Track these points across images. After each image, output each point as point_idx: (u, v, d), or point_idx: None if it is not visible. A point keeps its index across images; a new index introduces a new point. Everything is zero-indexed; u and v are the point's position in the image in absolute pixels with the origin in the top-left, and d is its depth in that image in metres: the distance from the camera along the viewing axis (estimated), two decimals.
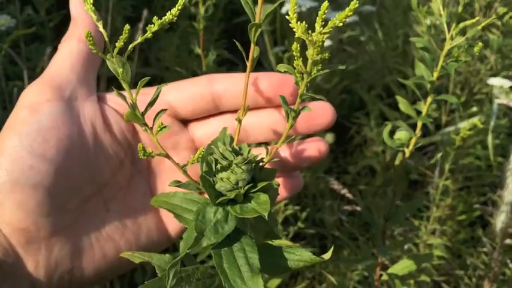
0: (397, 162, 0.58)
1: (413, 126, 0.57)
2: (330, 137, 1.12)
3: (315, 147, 0.44)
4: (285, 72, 0.33)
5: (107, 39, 0.31)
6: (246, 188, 0.34)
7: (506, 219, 0.84)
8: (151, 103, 0.34)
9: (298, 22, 0.29)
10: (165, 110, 0.35)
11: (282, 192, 0.45)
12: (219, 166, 0.35)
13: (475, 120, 0.96)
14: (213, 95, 0.44)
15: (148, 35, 0.31)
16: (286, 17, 0.30)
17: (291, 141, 0.37)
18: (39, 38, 1.13)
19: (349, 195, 0.97)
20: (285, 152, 0.45)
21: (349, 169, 1.19)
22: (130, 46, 0.31)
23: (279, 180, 0.45)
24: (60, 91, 0.41)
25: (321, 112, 0.43)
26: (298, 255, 0.37)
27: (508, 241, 0.91)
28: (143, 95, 0.38)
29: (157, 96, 0.34)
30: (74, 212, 0.41)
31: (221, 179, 0.34)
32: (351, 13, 0.28)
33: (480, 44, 0.43)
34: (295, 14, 0.29)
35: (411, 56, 1.27)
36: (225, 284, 0.33)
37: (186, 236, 0.35)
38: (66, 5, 0.45)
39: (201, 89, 0.44)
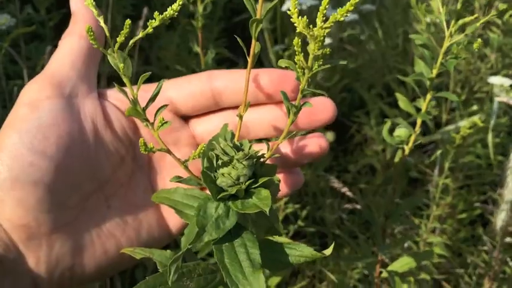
0: (396, 159, 0.58)
1: (414, 125, 0.57)
2: (330, 136, 1.12)
3: (315, 143, 0.44)
4: (286, 67, 0.34)
5: (107, 34, 0.31)
6: (247, 183, 0.34)
7: (507, 217, 0.84)
8: (153, 98, 0.34)
9: (300, 17, 0.29)
10: (166, 105, 0.35)
11: (283, 188, 0.45)
12: (220, 162, 0.35)
13: (475, 118, 0.96)
14: (214, 91, 0.44)
15: (150, 30, 0.31)
16: (288, 11, 0.30)
17: (291, 137, 0.37)
18: (39, 37, 1.13)
19: (349, 193, 0.97)
20: (285, 147, 0.45)
21: (349, 168, 1.20)
22: (131, 41, 0.31)
23: (279, 176, 0.45)
24: (60, 88, 0.41)
25: (322, 108, 0.43)
26: (300, 251, 0.37)
27: (508, 239, 0.91)
28: (144, 92, 0.38)
29: (159, 91, 0.34)
30: (75, 209, 0.41)
31: (222, 174, 0.34)
32: (352, 8, 0.28)
33: (479, 40, 0.43)
34: (296, 9, 0.29)
35: (411, 55, 1.27)
36: (226, 280, 0.33)
37: (187, 231, 0.35)
38: (66, 4, 0.45)
39: (202, 85, 0.44)
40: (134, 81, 0.37)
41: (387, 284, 0.90)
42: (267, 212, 0.33)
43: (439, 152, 0.59)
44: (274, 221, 0.38)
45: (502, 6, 0.45)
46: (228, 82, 0.44)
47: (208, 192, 0.36)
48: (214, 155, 0.35)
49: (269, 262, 0.36)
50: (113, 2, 1.00)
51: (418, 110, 0.55)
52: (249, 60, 0.36)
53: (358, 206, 0.98)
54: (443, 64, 0.50)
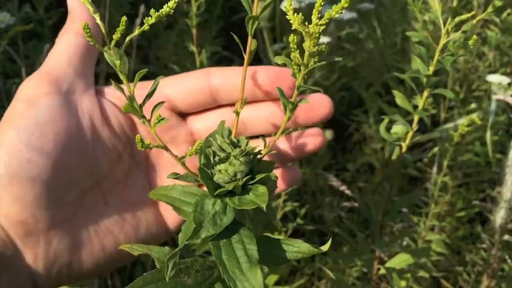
0: (394, 156, 0.58)
1: (412, 123, 0.57)
2: (329, 134, 1.13)
3: (312, 139, 0.44)
4: (283, 64, 0.34)
5: (104, 30, 0.31)
6: (244, 179, 0.34)
7: (505, 215, 0.84)
8: (150, 95, 0.34)
9: (295, 14, 0.29)
10: (163, 102, 0.35)
11: (280, 185, 0.45)
12: (217, 158, 0.35)
13: (474, 116, 0.96)
14: (211, 88, 0.44)
15: (146, 27, 0.31)
16: (283, 8, 0.30)
17: (288, 133, 0.37)
18: (37, 35, 1.13)
19: (348, 192, 0.97)
20: (283, 144, 0.45)
21: (348, 166, 1.20)
22: (128, 38, 0.31)
23: (277, 172, 0.46)
24: (57, 85, 0.41)
25: (319, 104, 0.43)
26: (297, 247, 0.37)
27: (506, 237, 0.91)
28: (141, 89, 0.38)
29: (156, 87, 0.34)
30: (72, 205, 0.41)
31: (219, 171, 0.34)
32: (347, 4, 0.28)
33: (475, 37, 0.44)
34: (291, 6, 0.29)
35: (409, 54, 1.27)
36: (223, 275, 0.33)
37: (184, 227, 0.35)
38: (64, 3, 0.45)
39: (199, 82, 0.45)
40: (132, 80, 0.37)
41: (386, 282, 0.91)
42: (264, 208, 0.33)
43: (436, 148, 0.59)
44: (271, 217, 0.38)
45: (497, 3, 0.45)
46: (226, 79, 0.44)
47: (205, 189, 0.36)
48: (211, 152, 0.35)
49: (266, 258, 0.37)
50: (111, 1, 1.01)
51: (416, 107, 0.56)
52: (246, 57, 0.36)
53: (357, 204, 0.99)
54: (439, 61, 0.51)
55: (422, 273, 0.89)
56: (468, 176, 1.09)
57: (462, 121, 1.01)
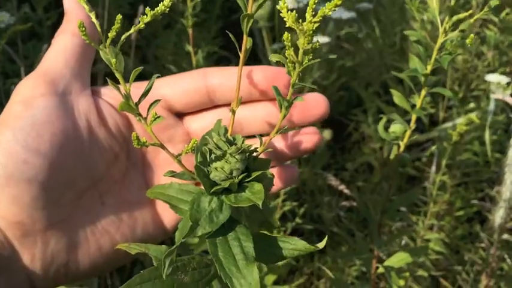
0: (392, 155, 0.58)
1: (410, 122, 0.57)
2: (327, 134, 1.13)
3: (308, 137, 0.44)
4: (277, 62, 0.34)
5: (99, 29, 0.31)
6: (240, 177, 0.34)
7: (504, 214, 0.84)
8: (145, 93, 0.34)
9: (289, 12, 0.29)
10: (159, 100, 0.35)
11: (277, 183, 0.46)
12: (213, 156, 0.35)
13: (472, 116, 0.97)
14: (208, 88, 0.45)
15: (141, 25, 0.31)
16: (277, 6, 0.30)
17: (284, 131, 0.37)
18: (36, 35, 1.13)
19: (347, 191, 0.97)
20: (279, 142, 0.45)
21: (347, 166, 1.20)
22: (123, 36, 0.31)
23: (274, 171, 0.46)
24: (54, 85, 0.41)
25: (315, 103, 0.43)
26: (293, 244, 0.37)
27: (505, 236, 0.91)
28: (138, 89, 0.38)
29: (151, 85, 0.34)
30: (69, 206, 0.41)
31: (215, 168, 0.34)
32: (340, 2, 0.28)
33: (472, 36, 0.44)
34: (285, 4, 0.29)
35: (408, 53, 1.27)
36: (220, 273, 0.33)
37: (181, 225, 0.35)
38: (63, 3, 0.45)
39: (196, 82, 0.45)
40: (129, 79, 0.38)
41: (385, 281, 0.91)
42: (260, 206, 0.33)
43: (434, 147, 0.59)
44: (268, 214, 0.38)
45: (494, 2, 0.45)
46: (222, 79, 0.44)
47: (202, 187, 0.36)
48: (208, 150, 0.35)
49: (263, 255, 0.37)
50: (110, 1, 1.01)
51: (414, 106, 0.56)
52: (241, 55, 0.36)
53: (356, 204, 0.99)
54: (437, 60, 0.51)
55: (421, 272, 0.89)
56: (467, 175, 1.10)
57: (461, 120, 1.01)
